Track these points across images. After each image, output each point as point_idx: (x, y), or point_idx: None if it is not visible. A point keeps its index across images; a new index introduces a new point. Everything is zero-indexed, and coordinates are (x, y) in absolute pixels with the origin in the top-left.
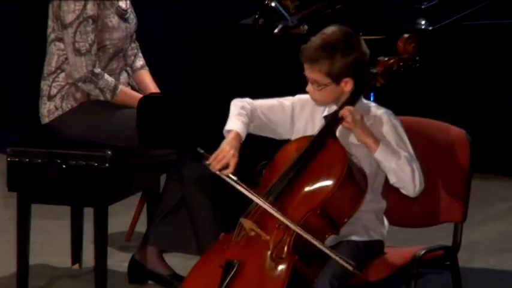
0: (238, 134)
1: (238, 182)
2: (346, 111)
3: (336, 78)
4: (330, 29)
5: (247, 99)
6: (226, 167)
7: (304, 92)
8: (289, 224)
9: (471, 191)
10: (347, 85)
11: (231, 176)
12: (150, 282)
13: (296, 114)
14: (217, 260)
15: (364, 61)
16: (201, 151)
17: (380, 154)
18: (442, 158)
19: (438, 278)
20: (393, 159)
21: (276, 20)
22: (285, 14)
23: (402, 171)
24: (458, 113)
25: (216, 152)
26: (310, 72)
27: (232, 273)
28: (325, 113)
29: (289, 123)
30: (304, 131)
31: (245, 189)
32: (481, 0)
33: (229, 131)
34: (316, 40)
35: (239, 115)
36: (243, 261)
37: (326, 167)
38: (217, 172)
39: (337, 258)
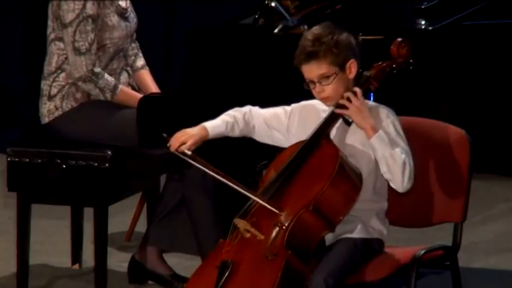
0: (204, 127)
1: (196, 157)
2: (349, 94)
3: (342, 64)
4: (312, 29)
5: (251, 106)
6: (183, 144)
7: (304, 90)
8: (253, 197)
9: (471, 191)
10: (351, 70)
11: (186, 151)
12: (150, 282)
13: (291, 121)
14: (214, 263)
15: (354, 45)
16: (164, 135)
17: (376, 140)
18: (442, 158)
19: (438, 278)
20: (388, 148)
21: (276, 20)
22: (285, 14)
23: (394, 161)
24: (458, 113)
25: (176, 133)
26: (317, 69)
27: (227, 273)
28: (324, 115)
29: (285, 130)
30: (300, 136)
31: (203, 165)
32: (481, 0)
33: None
34: (307, 39)
35: (224, 115)
36: (238, 261)
37: (319, 166)
38: (176, 152)
39: (261, 202)
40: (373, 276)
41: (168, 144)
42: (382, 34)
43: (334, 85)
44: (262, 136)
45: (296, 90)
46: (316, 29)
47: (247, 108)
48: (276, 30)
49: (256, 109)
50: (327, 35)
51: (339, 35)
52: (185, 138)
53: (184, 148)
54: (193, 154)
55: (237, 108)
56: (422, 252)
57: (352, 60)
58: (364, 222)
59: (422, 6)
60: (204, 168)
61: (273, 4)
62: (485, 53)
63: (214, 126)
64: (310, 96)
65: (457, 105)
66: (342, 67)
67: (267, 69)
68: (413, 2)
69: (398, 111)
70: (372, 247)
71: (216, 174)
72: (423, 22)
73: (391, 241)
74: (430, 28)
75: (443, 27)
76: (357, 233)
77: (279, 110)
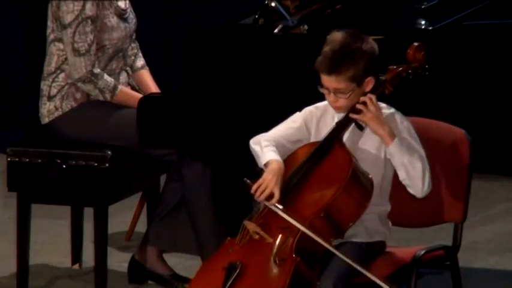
0: (278, 162)
1: (284, 210)
2: (366, 98)
3: (360, 81)
4: (339, 35)
5: (263, 135)
6: (271, 196)
7: (303, 91)
8: (315, 237)
9: (471, 191)
10: (369, 85)
11: (277, 205)
12: (150, 282)
13: (309, 124)
14: (221, 262)
15: (377, 56)
16: (248, 181)
17: (394, 147)
18: (442, 158)
19: (438, 278)
20: (406, 155)
21: (276, 20)
22: (285, 14)
23: (413, 168)
24: (458, 113)
25: (259, 182)
26: (336, 83)
27: (235, 275)
28: (336, 119)
29: (307, 133)
30: (316, 137)
31: (291, 217)
32: (481, 0)
33: (267, 163)
34: (333, 49)
35: (267, 147)
36: (246, 263)
37: (331, 171)
38: (265, 203)
39: (348, 261)
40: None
41: (251, 192)
42: (382, 34)
43: (348, 99)
44: (287, 155)
45: (296, 91)
46: (342, 38)
47: (260, 137)
48: (276, 30)
49: (268, 135)
50: (353, 48)
51: (365, 48)
52: (271, 190)
53: (274, 202)
54: (283, 208)
55: (261, 139)
56: (422, 252)
57: (370, 78)
58: (367, 227)
59: (422, 6)
60: (291, 220)
61: (273, 4)
62: (485, 53)
63: (278, 157)
64: (309, 96)
65: (457, 105)
66: (360, 83)
67: (267, 69)
68: (413, 2)
69: (399, 111)
70: (375, 249)
71: (300, 225)
72: (423, 22)
73: (392, 241)
74: (430, 28)
75: (443, 27)
76: (361, 237)
77: (287, 124)
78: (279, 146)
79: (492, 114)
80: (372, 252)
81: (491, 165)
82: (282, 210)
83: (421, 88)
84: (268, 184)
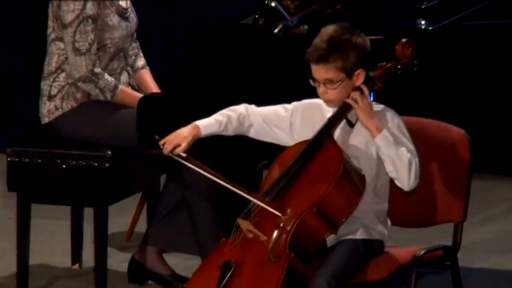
0: (197, 126)
1: (190, 158)
2: (356, 94)
3: (349, 72)
4: (330, 28)
5: (247, 105)
6: (177, 147)
7: (303, 91)
8: (252, 199)
9: (471, 191)
10: (359, 78)
11: (181, 154)
12: (150, 282)
13: (294, 118)
14: (216, 262)
15: (368, 51)
16: (156, 137)
17: (381, 139)
18: (442, 158)
19: (438, 278)
20: (393, 147)
21: (276, 20)
22: (285, 14)
23: (400, 160)
24: (458, 113)
25: (169, 136)
26: (324, 73)
27: (230, 273)
28: (329, 115)
29: (288, 127)
30: (305, 134)
31: (198, 167)
32: (481, 0)
33: (193, 124)
34: (322, 39)
35: (217, 114)
36: (240, 261)
37: (322, 167)
38: (170, 154)
39: (262, 204)
40: (373, 276)
41: (160, 146)
42: (382, 34)
43: (338, 91)
44: (261, 135)
45: (296, 90)
46: (333, 30)
47: (243, 107)
48: (276, 30)
49: (253, 108)
50: (344, 39)
51: (355, 40)
52: (178, 141)
53: (179, 151)
54: (188, 156)
55: (232, 107)
56: (422, 252)
57: (360, 70)
58: (364, 223)
59: (422, 6)
60: (199, 170)
61: (273, 4)
62: (485, 53)
63: (207, 125)
64: (309, 97)
65: (457, 105)
66: (349, 74)
67: (267, 69)
68: (413, 2)
69: (398, 111)
70: (372, 248)
71: (212, 175)
72: (423, 22)
73: (391, 241)
74: (430, 28)
75: (443, 27)
76: (358, 235)
77: (278, 108)
78: (254, 122)
79: (492, 114)
80: (369, 251)
81: (491, 165)
82: (185, 159)
83: (421, 88)
84: (176, 136)
